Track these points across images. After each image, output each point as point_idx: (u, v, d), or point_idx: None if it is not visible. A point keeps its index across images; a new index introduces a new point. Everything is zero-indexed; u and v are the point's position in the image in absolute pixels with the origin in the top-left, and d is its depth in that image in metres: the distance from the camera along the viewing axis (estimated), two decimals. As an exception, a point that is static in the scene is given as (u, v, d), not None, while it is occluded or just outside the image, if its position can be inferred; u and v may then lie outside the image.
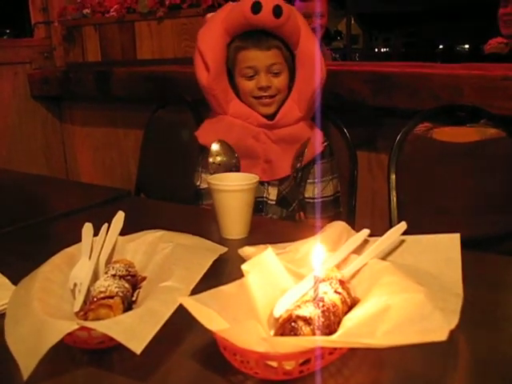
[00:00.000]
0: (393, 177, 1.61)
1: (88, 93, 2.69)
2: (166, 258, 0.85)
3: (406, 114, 1.70)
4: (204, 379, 0.67)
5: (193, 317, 0.64)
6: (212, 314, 0.64)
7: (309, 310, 0.67)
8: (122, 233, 0.95)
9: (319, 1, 2.84)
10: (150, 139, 2.18)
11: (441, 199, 1.59)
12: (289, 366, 0.62)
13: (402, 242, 0.90)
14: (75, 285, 0.81)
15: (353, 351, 0.67)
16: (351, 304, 0.73)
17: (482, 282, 0.89)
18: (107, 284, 0.76)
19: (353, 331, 0.62)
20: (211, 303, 0.67)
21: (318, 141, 1.53)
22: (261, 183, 1.47)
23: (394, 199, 1.60)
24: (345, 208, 1.65)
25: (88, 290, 0.79)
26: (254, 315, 0.70)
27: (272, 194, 1.53)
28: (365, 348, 0.63)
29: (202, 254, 0.88)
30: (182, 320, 0.68)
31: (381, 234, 0.90)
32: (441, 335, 0.57)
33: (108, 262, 0.88)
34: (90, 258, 0.87)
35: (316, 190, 1.55)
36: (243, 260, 0.76)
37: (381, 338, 0.60)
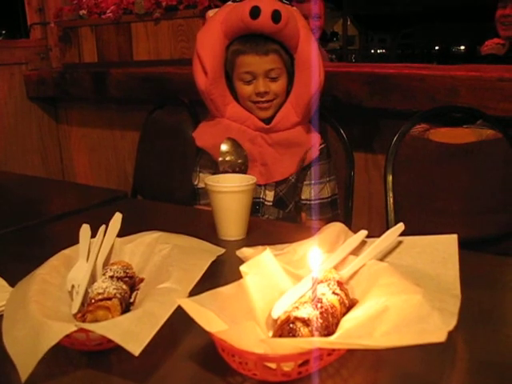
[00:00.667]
0: (389, 178, 1.61)
1: (84, 94, 2.69)
2: (164, 260, 0.85)
3: (402, 115, 1.70)
4: (202, 381, 0.67)
5: (191, 318, 0.64)
6: (210, 315, 0.65)
7: (307, 312, 0.67)
8: (120, 234, 0.95)
9: (316, 2, 2.85)
10: (147, 140, 2.18)
11: (437, 200, 1.60)
12: (287, 367, 0.62)
13: (400, 242, 0.90)
14: (73, 287, 0.81)
15: (351, 352, 0.67)
16: (349, 305, 0.73)
17: (479, 283, 0.90)
18: (105, 286, 0.76)
19: (351, 332, 0.63)
20: (209, 304, 0.67)
21: (315, 144, 1.53)
22: (258, 184, 1.48)
23: (391, 200, 1.61)
24: (341, 209, 1.65)
25: (86, 292, 0.79)
26: (253, 316, 0.70)
27: (269, 195, 1.53)
28: (363, 349, 0.63)
29: (200, 255, 0.88)
30: (180, 321, 0.68)
31: (378, 235, 0.90)
32: (439, 336, 0.57)
33: (106, 263, 0.88)
34: (87, 259, 0.87)
35: (312, 191, 1.55)
36: (241, 261, 0.76)
37: (379, 339, 0.60)
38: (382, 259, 0.86)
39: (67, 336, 0.66)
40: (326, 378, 0.65)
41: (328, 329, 0.67)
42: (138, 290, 0.83)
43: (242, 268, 0.72)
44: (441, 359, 0.69)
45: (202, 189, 1.54)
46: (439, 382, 0.66)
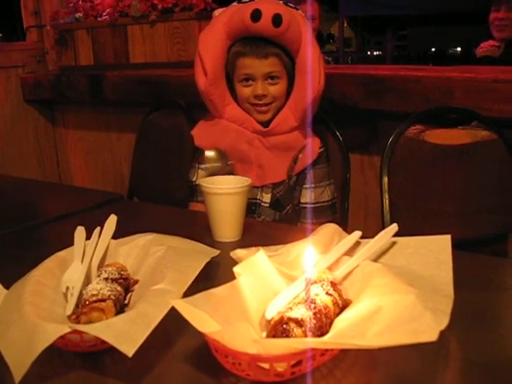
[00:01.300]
0: (385, 179, 1.61)
1: (80, 96, 2.68)
2: (158, 261, 0.85)
3: (397, 117, 1.70)
4: (196, 382, 0.67)
5: (184, 319, 0.64)
6: (204, 316, 0.65)
7: (300, 312, 0.67)
8: (115, 236, 0.95)
9: (311, 4, 2.85)
10: (143, 143, 2.18)
11: (433, 201, 1.60)
12: (280, 367, 0.62)
13: (394, 243, 0.90)
14: (67, 288, 0.81)
15: (344, 352, 0.68)
16: (343, 306, 0.73)
17: (473, 283, 0.90)
18: (99, 287, 0.76)
19: (344, 332, 0.63)
20: (203, 305, 0.67)
21: (313, 148, 1.53)
22: (255, 186, 1.48)
23: (387, 202, 1.61)
24: (338, 211, 1.65)
25: (80, 294, 0.79)
26: (246, 317, 0.70)
27: (266, 196, 1.54)
28: (356, 349, 0.64)
29: (194, 256, 0.88)
30: (173, 323, 0.68)
31: (373, 237, 0.90)
32: (431, 336, 0.57)
33: (100, 265, 0.88)
34: (82, 261, 0.87)
35: (313, 195, 1.55)
36: (235, 263, 0.76)
37: (372, 339, 0.60)
38: (375, 260, 0.86)
39: (61, 337, 0.66)
40: (320, 378, 0.65)
41: (321, 329, 0.67)
42: (132, 291, 0.83)
43: (236, 269, 0.72)
44: (434, 359, 0.69)
45: (200, 185, 1.55)
46: (433, 382, 0.66)
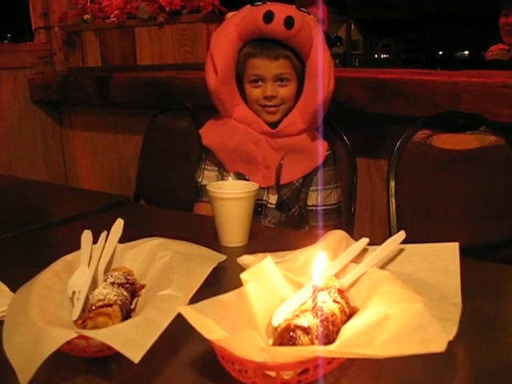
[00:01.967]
0: (392, 184, 1.61)
1: (88, 98, 2.69)
2: (165, 266, 0.85)
3: (405, 121, 1.70)
4: (202, 388, 0.67)
5: (191, 326, 0.64)
6: (210, 323, 0.64)
7: (307, 320, 0.66)
8: (121, 240, 0.95)
9: (319, 7, 2.85)
10: (150, 145, 2.18)
11: (440, 206, 1.59)
12: (287, 375, 0.62)
13: (401, 250, 0.90)
14: (74, 292, 0.81)
15: (351, 361, 0.67)
16: (350, 313, 0.73)
17: (481, 291, 0.89)
18: (106, 292, 0.76)
19: (351, 341, 0.62)
20: (210, 312, 0.67)
21: (320, 150, 1.53)
22: (261, 187, 1.48)
23: (394, 206, 1.60)
24: (344, 215, 1.65)
25: (87, 298, 0.79)
26: (253, 324, 0.70)
27: (272, 197, 1.54)
28: (363, 358, 0.63)
29: (201, 262, 0.88)
30: (180, 329, 0.68)
31: (380, 241, 0.90)
32: (439, 346, 0.57)
33: (107, 269, 0.88)
34: (88, 265, 0.87)
35: (319, 197, 1.55)
36: (242, 268, 0.76)
37: (379, 349, 0.60)
38: (383, 267, 0.85)
39: (67, 342, 0.66)
40: (326, 386, 0.65)
41: (328, 337, 0.67)
42: (138, 296, 0.83)
43: (243, 276, 0.72)
44: (442, 368, 0.68)
45: (206, 186, 1.55)
46: (439, 391, 0.66)
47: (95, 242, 0.93)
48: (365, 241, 0.90)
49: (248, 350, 0.61)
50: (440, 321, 0.63)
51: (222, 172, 1.58)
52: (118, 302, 0.75)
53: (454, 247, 0.86)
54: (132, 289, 0.82)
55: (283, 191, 1.54)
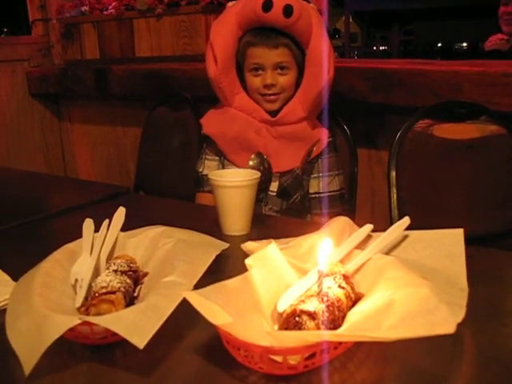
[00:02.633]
0: (393, 174, 1.60)
1: (86, 90, 2.68)
2: (168, 254, 0.84)
3: (405, 111, 1.69)
4: (207, 374, 0.66)
5: (196, 311, 0.63)
6: (216, 308, 0.64)
7: (313, 305, 0.66)
8: (123, 229, 0.95)
9: (318, -2, 2.83)
10: (149, 137, 2.18)
11: (441, 196, 1.59)
12: (293, 360, 0.61)
13: (406, 237, 0.89)
14: (76, 280, 0.81)
15: (357, 346, 0.67)
16: (355, 299, 0.72)
17: (485, 277, 0.89)
18: (109, 279, 0.75)
19: (358, 325, 0.62)
20: (215, 297, 0.66)
21: (322, 138, 1.53)
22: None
23: (394, 196, 1.60)
24: (347, 202, 1.65)
25: (89, 286, 0.79)
26: (258, 310, 0.69)
27: (273, 185, 1.54)
28: (370, 342, 0.63)
29: (204, 249, 0.87)
30: (184, 315, 0.67)
31: (381, 231, 0.89)
32: (448, 328, 0.57)
33: (109, 257, 0.87)
34: (91, 253, 0.87)
35: (321, 184, 1.55)
36: (244, 256, 0.75)
37: (387, 332, 0.59)
38: (387, 253, 0.85)
39: (71, 329, 0.65)
40: (333, 371, 0.64)
41: (334, 322, 0.66)
42: (141, 284, 0.82)
43: (248, 261, 0.71)
44: (448, 353, 0.68)
45: (207, 175, 1.55)
46: (447, 376, 0.65)
47: (97, 230, 0.93)
48: (369, 227, 0.89)
49: (254, 334, 0.60)
50: (447, 305, 0.62)
51: (223, 161, 1.58)
52: (122, 289, 0.75)
53: (458, 233, 0.86)
54: (135, 276, 0.82)
55: (284, 178, 1.54)
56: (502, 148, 1.55)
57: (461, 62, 1.90)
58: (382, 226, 0.92)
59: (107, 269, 0.81)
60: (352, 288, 0.73)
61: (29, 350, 0.63)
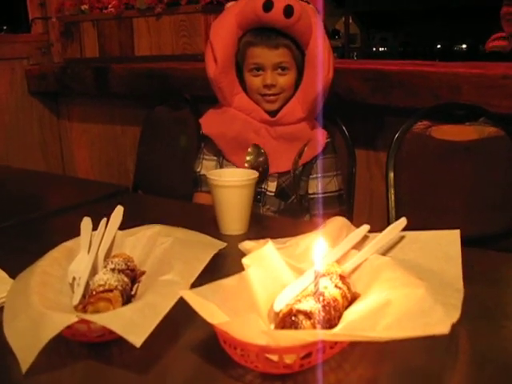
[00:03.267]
0: (391, 175, 1.61)
1: (85, 89, 2.68)
2: (166, 253, 0.85)
3: (404, 112, 1.70)
4: (204, 373, 0.66)
5: (192, 310, 0.63)
6: (212, 307, 0.64)
7: (309, 304, 0.66)
8: (121, 228, 0.95)
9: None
10: (148, 136, 2.18)
11: (439, 197, 1.60)
12: (289, 359, 0.62)
13: (402, 237, 0.90)
14: (74, 278, 0.81)
15: (353, 346, 0.67)
16: (351, 299, 0.73)
17: (482, 279, 0.89)
18: (106, 278, 0.76)
19: (354, 325, 0.62)
20: (211, 296, 0.66)
21: (320, 139, 1.53)
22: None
23: (392, 197, 1.61)
24: (346, 203, 1.65)
25: (87, 284, 0.79)
26: (255, 309, 0.69)
27: (271, 185, 1.54)
28: (366, 342, 0.63)
29: (202, 248, 0.88)
30: (181, 313, 0.68)
31: (378, 232, 0.90)
32: (443, 328, 0.57)
33: (107, 256, 0.88)
34: (88, 251, 0.87)
35: (319, 184, 1.55)
36: (242, 256, 0.75)
37: (382, 332, 0.59)
38: (384, 254, 0.85)
39: (68, 327, 0.66)
40: (328, 370, 0.65)
41: (330, 322, 0.66)
42: (139, 282, 0.82)
43: (244, 260, 0.72)
44: (443, 353, 0.69)
45: (205, 175, 1.55)
46: (441, 376, 0.65)
47: (95, 229, 0.93)
48: (366, 228, 0.90)
49: (250, 333, 0.61)
50: (442, 305, 0.63)
51: (222, 161, 1.58)
52: (119, 287, 0.75)
53: (455, 234, 0.86)
54: (132, 275, 0.82)
55: (282, 179, 1.54)
56: (500, 150, 1.56)
57: (460, 63, 1.91)
58: (379, 227, 0.92)
59: (105, 267, 0.81)
60: (348, 288, 0.73)
61: (26, 347, 0.64)
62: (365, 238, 0.88)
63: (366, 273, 0.77)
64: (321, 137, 1.54)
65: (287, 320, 0.66)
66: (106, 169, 2.91)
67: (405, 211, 1.58)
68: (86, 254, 0.86)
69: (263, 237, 0.90)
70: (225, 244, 0.96)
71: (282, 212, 1.55)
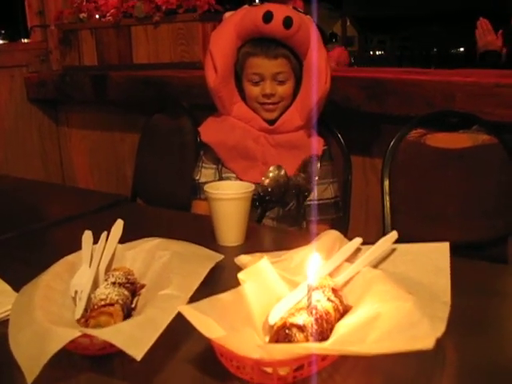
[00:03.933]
0: (386, 182, 1.63)
1: (84, 96, 2.70)
2: (165, 266, 0.87)
3: (399, 120, 1.72)
4: (201, 384, 0.69)
5: (191, 324, 0.66)
6: (210, 321, 0.67)
7: (302, 318, 0.69)
8: (120, 239, 0.97)
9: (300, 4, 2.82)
10: (147, 143, 2.20)
11: (434, 204, 1.61)
12: (283, 371, 0.64)
13: (394, 250, 0.92)
14: (76, 292, 0.83)
15: (345, 358, 0.70)
16: (343, 311, 0.75)
17: (471, 290, 0.92)
18: (107, 292, 0.78)
19: (344, 338, 0.65)
20: (209, 311, 0.69)
21: (317, 147, 1.56)
22: (258, 182, 1.50)
23: (388, 204, 1.62)
24: (342, 210, 1.67)
25: (88, 298, 0.81)
26: (250, 322, 0.72)
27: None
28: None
29: (199, 262, 0.90)
30: (180, 327, 0.70)
31: (374, 239, 0.92)
32: (428, 343, 0.60)
33: (108, 269, 0.90)
34: (90, 265, 0.89)
35: (316, 191, 1.57)
36: (239, 267, 0.78)
37: (371, 346, 0.62)
38: (376, 266, 0.88)
39: (71, 341, 0.68)
40: (320, 382, 0.67)
41: (322, 334, 0.69)
42: (139, 295, 0.85)
43: (240, 275, 0.74)
44: (432, 364, 0.71)
45: (204, 183, 1.57)
46: (429, 385, 0.68)
47: (95, 242, 0.96)
48: (358, 241, 0.92)
49: (246, 347, 0.63)
50: (429, 318, 0.65)
51: (220, 169, 1.60)
52: (120, 301, 0.78)
53: (444, 247, 0.89)
54: (132, 288, 0.85)
55: None
56: (493, 157, 1.58)
57: (454, 71, 1.93)
58: (375, 233, 0.95)
59: (106, 280, 0.84)
60: (340, 301, 0.76)
61: (31, 360, 0.66)
62: (357, 251, 0.91)
63: (358, 285, 0.79)
64: (318, 144, 1.57)
65: (281, 333, 0.69)
66: (104, 175, 2.94)
67: (400, 218, 1.61)
68: (87, 268, 0.89)
69: (260, 247, 0.94)
70: (222, 256, 0.99)
71: (280, 219, 1.57)
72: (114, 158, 2.86)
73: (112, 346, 0.68)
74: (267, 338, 0.73)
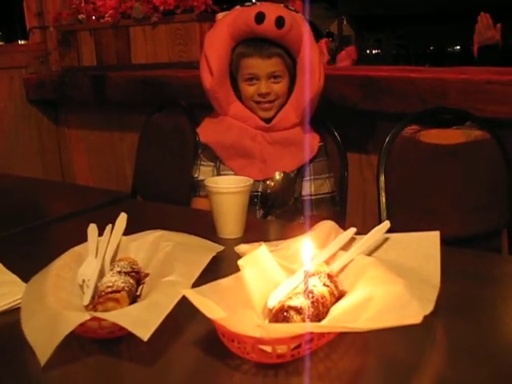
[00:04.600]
0: (382, 178, 1.66)
1: (83, 97, 2.73)
2: (167, 256, 0.91)
3: (394, 117, 1.75)
4: (204, 364, 0.73)
5: (193, 308, 0.70)
6: (212, 304, 0.71)
7: (300, 301, 0.73)
8: (124, 233, 1.01)
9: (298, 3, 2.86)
10: (146, 143, 2.23)
11: (428, 199, 1.64)
12: (281, 350, 0.68)
13: (387, 239, 0.96)
14: (83, 281, 0.87)
15: (340, 338, 0.74)
16: (339, 296, 0.79)
17: (460, 276, 0.96)
18: (114, 279, 0.82)
19: (339, 318, 0.69)
20: (211, 295, 0.73)
21: (314, 143, 1.60)
22: (257, 180, 1.54)
23: (383, 200, 1.65)
24: (339, 204, 1.71)
25: (96, 286, 0.85)
26: (250, 306, 0.76)
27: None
28: (352, 334, 0.70)
29: (201, 251, 0.94)
30: (183, 311, 0.74)
31: (365, 234, 0.96)
32: (416, 319, 0.64)
33: (113, 259, 0.94)
34: (96, 256, 0.93)
35: (313, 186, 1.61)
36: (238, 258, 0.81)
37: (363, 323, 0.66)
38: (369, 254, 0.92)
39: (81, 324, 0.72)
40: (317, 361, 0.71)
41: (319, 316, 0.73)
42: (143, 283, 0.89)
43: (240, 262, 0.78)
44: (422, 344, 0.75)
45: (202, 181, 1.60)
46: (419, 365, 0.71)
47: (100, 235, 0.99)
48: (352, 230, 0.96)
49: (246, 327, 0.67)
50: (418, 299, 0.70)
51: (219, 166, 1.64)
52: (126, 288, 0.81)
53: (435, 235, 0.93)
54: (137, 277, 0.88)
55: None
56: (486, 152, 1.61)
57: (447, 69, 1.97)
58: (372, 228, 0.98)
59: (111, 270, 0.87)
60: (336, 286, 0.80)
61: (44, 343, 0.70)
62: (352, 240, 0.95)
63: (352, 272, 0.83)
64: (315, 140, 1.61)
65: (279, 315, 0.73)
66: (104, 175, 2.96)
67: (395, 213, 1.64)
68: (93, 258, 0.93)
69: (258, 239, 0.97)
70: (222, 247, 1.02)
71: (278, 214, 1.61)
72: (114, 156, 2.89)
73: (120, 329, 0.72)
74: (266, 322, 0.76)
